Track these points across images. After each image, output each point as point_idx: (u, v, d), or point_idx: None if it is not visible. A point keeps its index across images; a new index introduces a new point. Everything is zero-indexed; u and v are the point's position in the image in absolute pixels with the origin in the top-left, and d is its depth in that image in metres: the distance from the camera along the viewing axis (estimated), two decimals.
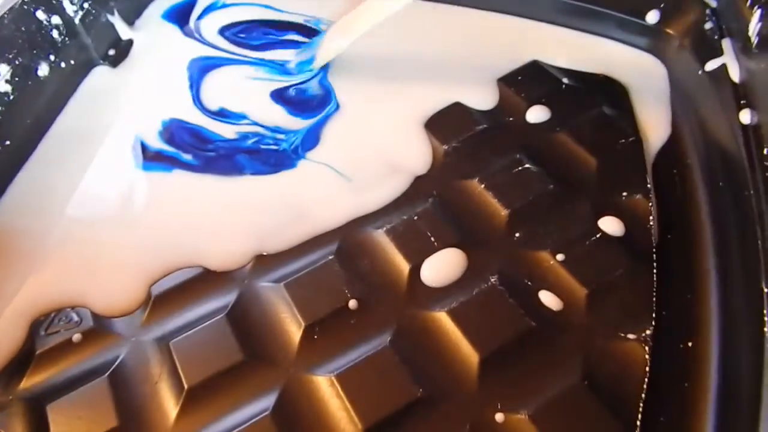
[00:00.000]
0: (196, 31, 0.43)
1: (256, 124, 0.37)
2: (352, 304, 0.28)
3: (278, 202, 0.33)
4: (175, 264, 0.30)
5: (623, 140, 0.33)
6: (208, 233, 0.32)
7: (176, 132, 0.36)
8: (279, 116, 0.37)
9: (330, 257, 0.30)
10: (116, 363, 0.27)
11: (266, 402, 0.25)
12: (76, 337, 0.28)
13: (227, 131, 0.36)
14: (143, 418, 0.26)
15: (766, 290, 0.24)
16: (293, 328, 0.27)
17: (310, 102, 0.38)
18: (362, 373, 0.25)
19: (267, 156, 0.35)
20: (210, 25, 0.43)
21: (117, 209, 0.33)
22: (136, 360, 0.27)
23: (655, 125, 0.34)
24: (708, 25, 0.34)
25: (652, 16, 0.37)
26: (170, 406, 0.26)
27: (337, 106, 0.37)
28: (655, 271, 0.27)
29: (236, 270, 0.30)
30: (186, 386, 0.26)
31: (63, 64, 0.38)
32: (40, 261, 0.31)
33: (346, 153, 0.35)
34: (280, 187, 0.34)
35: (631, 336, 0.25)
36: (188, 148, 0.36)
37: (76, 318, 0.29)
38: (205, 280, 0.30)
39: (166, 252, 0.31)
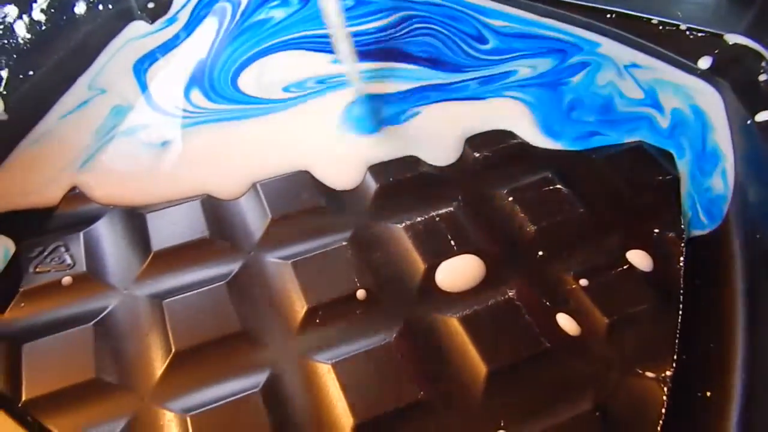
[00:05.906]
0: None
1: None
2: (361, 294, 0.26)
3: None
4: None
5: (660, 177, 0.32)
6: None
7: None
8: None
9: (343, 243, 0.28)
10: (104, 313, 0.26)
11: (256, 379, 0.24)
12: (66, 280, 0.27)
13: None
14: (123, 375, 0.24)
15: None
16: (296, 308, 0.26)
17: None
18: (362, 366, 0.24)
19: None
20: None
21: None
22: (125, 314, 0.26)
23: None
24: (763, 77, 0.33)
25: (705, 62, 0.36)
26: (156, 366, 0.24)
27: None
28: (680, 313, 0.26)
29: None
30: (174, 349, 0.24)
31: (100, 6, 0.37)
32: None
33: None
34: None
35: (649, 374, 0.24)
36: None
37: (69, 261, 0.27)
38: (210, 246, 0.28)
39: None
